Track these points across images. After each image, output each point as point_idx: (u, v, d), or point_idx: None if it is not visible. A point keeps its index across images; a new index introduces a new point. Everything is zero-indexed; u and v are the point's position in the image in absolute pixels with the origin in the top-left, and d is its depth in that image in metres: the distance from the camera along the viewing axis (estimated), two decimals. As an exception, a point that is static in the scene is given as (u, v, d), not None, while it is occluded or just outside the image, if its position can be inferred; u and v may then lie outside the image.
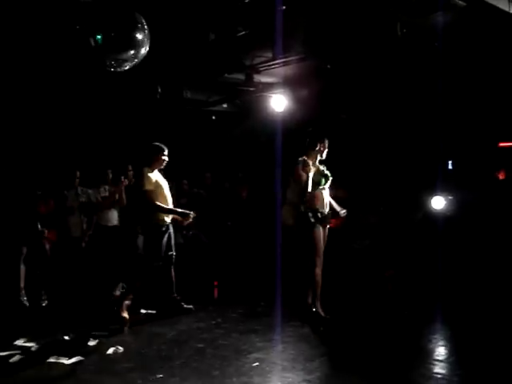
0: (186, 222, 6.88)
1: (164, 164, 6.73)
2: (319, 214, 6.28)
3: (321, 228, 6.31)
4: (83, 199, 8.21)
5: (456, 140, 10.41)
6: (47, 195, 7.80)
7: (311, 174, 6.19)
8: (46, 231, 7.52)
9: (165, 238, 6.60)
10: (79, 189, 8.25)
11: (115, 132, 10.26)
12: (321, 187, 6.30)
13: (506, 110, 9.70)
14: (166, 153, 6.69)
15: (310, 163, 6.19)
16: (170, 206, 6.73)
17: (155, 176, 6.60)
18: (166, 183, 6.79)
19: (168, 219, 6.67)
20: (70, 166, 8.48)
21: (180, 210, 6.79)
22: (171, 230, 6.75)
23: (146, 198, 6.48)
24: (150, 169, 6.60)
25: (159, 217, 6.58)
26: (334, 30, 7.01)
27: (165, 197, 6.63)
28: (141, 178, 6.56)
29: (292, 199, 6.42)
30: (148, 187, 6.48)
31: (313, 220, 6.23)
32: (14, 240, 7.31)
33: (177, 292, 6.86)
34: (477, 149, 10.51)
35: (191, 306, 6.90)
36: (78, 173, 8.29)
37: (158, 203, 6.50)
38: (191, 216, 6.72)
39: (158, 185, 6.56)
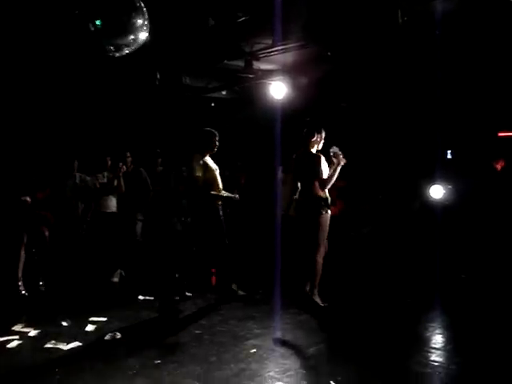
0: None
1: (215, 149, 6.86)
2: (328, 201, 6.32)
3: (329, 215, 6.31)
4: (82, 185, 8.22)
5: (455, 129, 10.39)
6: (44, 183, 7.79)
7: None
8: (28, 199, 7.45)
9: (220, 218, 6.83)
10: (78, 176, 8.25)
11: (114, 118, 10.23)
12: None
13: (505, 99, 9.68)
14: (217, 138, 6.83)
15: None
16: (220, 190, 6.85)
17: (206, 162, 6.72)
18: (217, 168, 6.90)
19: (220, 203, 6.86)
20: (69, 154, 8.46)
21: (226, 195, 6.92)
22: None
23: (197, 183, 6.63)
24: (202, 155, 6.72)
25: (212, 201, 6.75)
26: (335, 17, 6.97)
27: (215, 182, 6.76)
28: (191, 164, 6.67)
29: (287, 191, 6.45)
30: (197, 173, 6.61)
31: (325, 206, 6.25)
32: (14, 227, 7.30)
33: (175, 279, 6.87)
34: (476, 138, 10.50)
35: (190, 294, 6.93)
36: (77, 162, 8.28)
37: (212, 191, 6.69)
38: (236, 198, 7.03)
39: (208, 170, 6.69)
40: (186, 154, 6.98)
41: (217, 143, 6.83)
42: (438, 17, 6.65)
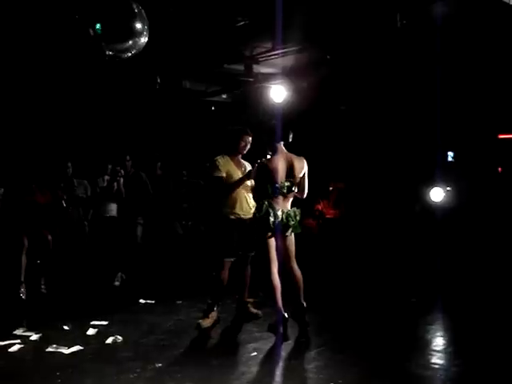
0: None
1: (243, 151, 6.12)
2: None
3: None
4: (80, 192, 8.25)
5: (456, 131, 10.41)
6: (43, 186, 7.80)
7: None
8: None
9: None
10: (75, 181, 8.27)
11: (114, 122, 10.25)
12: None
13: (506, 101, 9.69)
14: (246, 138, 6.06)
15: None
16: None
17: (225, 163, 6.03)
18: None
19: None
20: (67, 158, 8.48)
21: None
22: None
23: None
24: (229, 156, 6.09)
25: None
26: (334, 21, 7.00)
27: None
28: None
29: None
30: (216, 174, 5.97)
31: None
32: (14, 231, 7.32)
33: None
34: (477, 140, 10.51)
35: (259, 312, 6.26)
36: (70, 164, 8.30)
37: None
38: None
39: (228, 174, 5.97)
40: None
41: (244, 144, 6.04)
42: (436, 20, 6.66)
